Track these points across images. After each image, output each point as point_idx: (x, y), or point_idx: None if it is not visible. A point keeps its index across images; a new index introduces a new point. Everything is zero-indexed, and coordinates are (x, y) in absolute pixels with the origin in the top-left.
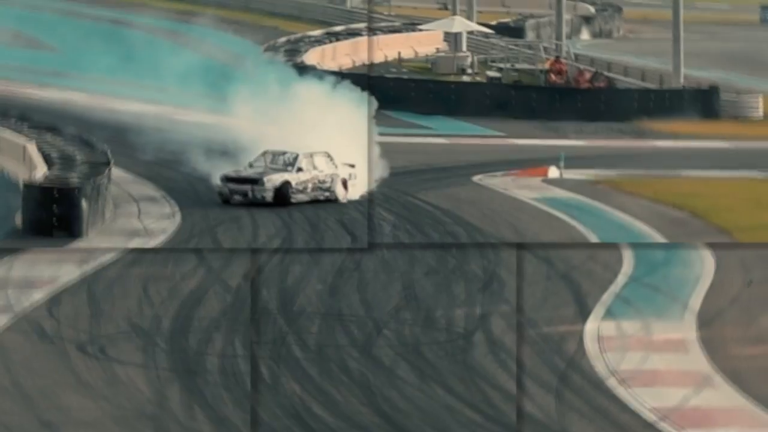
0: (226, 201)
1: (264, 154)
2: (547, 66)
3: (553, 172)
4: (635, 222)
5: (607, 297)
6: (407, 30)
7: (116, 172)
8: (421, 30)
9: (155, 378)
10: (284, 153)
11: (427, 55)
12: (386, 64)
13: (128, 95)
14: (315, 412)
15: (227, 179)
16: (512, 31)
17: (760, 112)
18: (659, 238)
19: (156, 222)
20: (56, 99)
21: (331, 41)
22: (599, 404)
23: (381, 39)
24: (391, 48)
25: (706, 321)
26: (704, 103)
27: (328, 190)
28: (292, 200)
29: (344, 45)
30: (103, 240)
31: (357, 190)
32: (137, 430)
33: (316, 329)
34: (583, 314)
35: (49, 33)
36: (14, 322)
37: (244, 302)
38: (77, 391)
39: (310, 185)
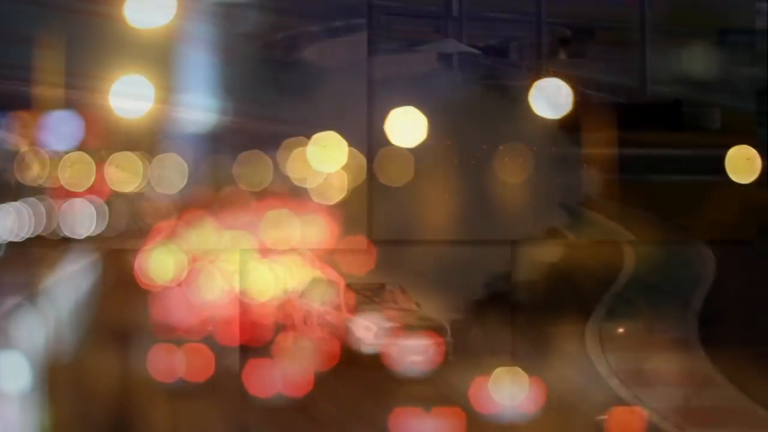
0: (382, 363)
1: (358, 292)
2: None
3: None
4: None
5: None
6: (406, 52)
7: None
8: (417, 51)
9: None
10: (382, 285)
11: None
12: None
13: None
14: None
15: (393, 333)
16: (498, 51)
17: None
18: None
19: None
20: None
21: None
22: None
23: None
24: None
25: None
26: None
27: None
28: None
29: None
30: None
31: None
32: None
33: None
34: None
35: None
36: None
37: None
38: None
39: None
